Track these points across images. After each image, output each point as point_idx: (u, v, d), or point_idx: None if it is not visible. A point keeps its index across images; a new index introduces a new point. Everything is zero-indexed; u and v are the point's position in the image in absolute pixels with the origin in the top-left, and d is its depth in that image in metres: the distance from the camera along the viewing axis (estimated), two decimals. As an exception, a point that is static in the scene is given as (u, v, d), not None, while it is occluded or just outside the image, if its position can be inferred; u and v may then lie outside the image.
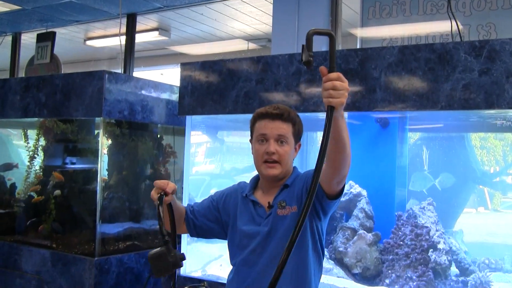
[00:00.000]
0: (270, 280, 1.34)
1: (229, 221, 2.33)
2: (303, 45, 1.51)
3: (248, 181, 2.40)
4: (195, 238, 3.83)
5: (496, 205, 4.41)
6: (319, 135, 4.58)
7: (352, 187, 3.60)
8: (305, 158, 4.19)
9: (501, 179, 4.30)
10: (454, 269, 3.33)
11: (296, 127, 2.24)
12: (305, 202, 1.38)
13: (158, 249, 1.62)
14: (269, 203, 2.26)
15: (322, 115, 3.26)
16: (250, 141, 2.32)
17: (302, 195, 2.21)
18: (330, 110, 1.60)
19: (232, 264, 2.35)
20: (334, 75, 1.65)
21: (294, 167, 2.37)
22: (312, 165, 4.19)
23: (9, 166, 5.27)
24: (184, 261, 1.66)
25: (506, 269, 3.41)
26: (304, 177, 2.26)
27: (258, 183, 2.34)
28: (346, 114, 3.21)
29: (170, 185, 2.05)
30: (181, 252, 1.72)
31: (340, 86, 1.65)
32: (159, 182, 2.04)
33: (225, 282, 2.47)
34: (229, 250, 2.36)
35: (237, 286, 2.24)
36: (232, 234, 2.31)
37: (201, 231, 2.35)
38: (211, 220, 2.35)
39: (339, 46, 4.61)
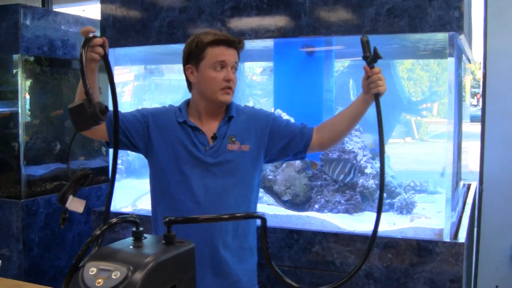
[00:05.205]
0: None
1: (159, 138, 2.25)
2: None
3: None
4: (125, 175, 3.78)
5: (423, 134, 4.56)
6: (245, 65, 4.54)
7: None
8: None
9: (427, 107, 4.42)
10: (381, 193, 3.42)
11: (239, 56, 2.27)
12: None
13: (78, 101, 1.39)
14: (214, 134, 2.23)
15: (249, 44, 3.20)
16: (188, 68, 2.23)
17: (263, 137, 2.26)
18: (378, 98, 1.97)
19: (156, 189, 2.36)
20: (377, 69, 2.01)
21: None
22: (237, 97, 4.17)
23: None
24: (104, 115, 1.40)
25: (430, 191, 3.54)
26: (264, 118, 2.31)
27: (191, 110, 2.29)
28: (272, 41, 3.17)
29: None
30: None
31: (383, 77, 2.01)
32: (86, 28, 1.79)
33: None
34: (155, 173, 2.34)
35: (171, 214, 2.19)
36: (162, 153, 2.25)
37: (122, 132, 2.21)
38: (135, 129, 2.24)
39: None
